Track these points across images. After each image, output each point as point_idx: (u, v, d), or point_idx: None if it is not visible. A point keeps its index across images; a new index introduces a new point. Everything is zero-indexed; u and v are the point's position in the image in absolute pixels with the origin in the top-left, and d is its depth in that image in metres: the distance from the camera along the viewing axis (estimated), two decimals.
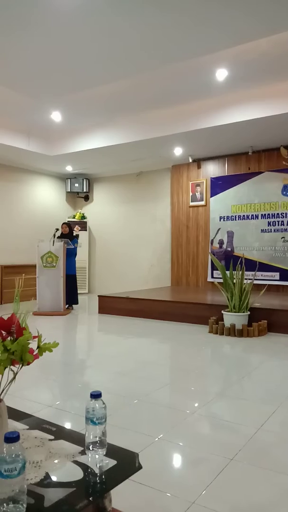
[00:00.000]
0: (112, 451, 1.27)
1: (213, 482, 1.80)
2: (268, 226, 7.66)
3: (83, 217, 10.21)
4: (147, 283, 9.14)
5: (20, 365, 1.26)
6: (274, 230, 7.60)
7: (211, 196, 8.34)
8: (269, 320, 5.24)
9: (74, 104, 6.36)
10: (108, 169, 9.54)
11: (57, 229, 7.35)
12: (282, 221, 7.52)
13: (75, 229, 9.34)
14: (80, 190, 10.04)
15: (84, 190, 10.06)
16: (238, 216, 8.00)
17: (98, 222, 10.23)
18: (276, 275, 7.50)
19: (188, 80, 5.51)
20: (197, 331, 5.39)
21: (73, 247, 7.24)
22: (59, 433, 1.42)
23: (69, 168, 9.33)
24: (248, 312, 5.22)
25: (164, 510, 1.64)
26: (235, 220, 8.04)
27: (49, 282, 6.84)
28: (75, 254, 7.49)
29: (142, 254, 9.42)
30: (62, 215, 10.00)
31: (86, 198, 10.39)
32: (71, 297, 7.26)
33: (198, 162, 8.48)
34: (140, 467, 1.24)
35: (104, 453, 1.24)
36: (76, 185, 10.00)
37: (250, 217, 7.86)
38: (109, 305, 6.77)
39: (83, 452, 1.26)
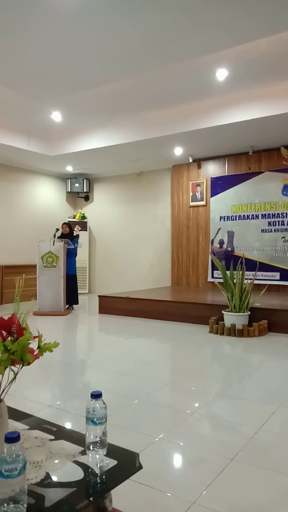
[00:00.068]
0: (113, 451, 1.27)
1: (213, 482, 1.80)
2: (269, 226, 7.66)
3: (83, 217, 10.21)
4: (148, 283, 9.14)
5: (21, 365, 1.26)
6: (275, 230, 7.60)
7: (211, 196, 8.33)
8: (270, 320, 5.24)
9: (74, 104, 6.36)
10: (108, 169, 9.54)
11: (58, 229, 7.35)
12: (283, 221, 7.52)
13: (75, 229, 9.34)
14: (80, 190, 10.04)
15: (84, 190, 10.06)
16: (239, 216, 8.00)
17: (98, 222, 10.23)
18: (277, 275, 7.49)
19: (188, 80, 5.51)
20: (197, 331, 5.39)
21: (73, 247, 7.25)
22: (59, 433, 1.42)
23: (69, 168, 9.33)
24: (249, 312, 5.22)
25: (164, 510, 1.64)
26: (236, 220, 8.04)
27: (49, 282, 6.84)
28: (76, 254, 7.50)
29: (143, 254, 9.42)
30: (62, 215, 10.00)
31: (86, 198, 10.39)
32: (72, 297, 7.26)
33: (198, 162, 8.48)
34: (140, 467, 1.24)
35: (105, 453, 1.24)
36: (76, 185, 10.00)
37: (250, 217, 7.86)
38: (109, 305, 6.77)
39: (83, 452, 1.26)
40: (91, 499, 1.08)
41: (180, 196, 8.82)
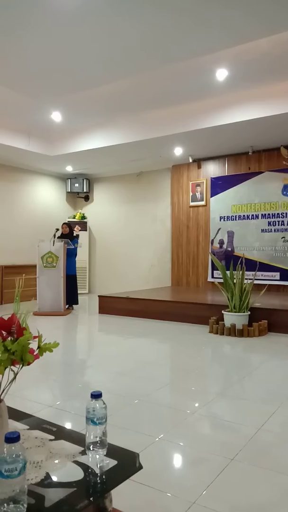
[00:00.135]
0: (113, 451, 1.27)
1: (213, 482, 1.80)
2: (268, 226, 7.66)
3: (83, 217, 10.21)
4: (148, 283, 9.14)
5: (21, 365, 1.26)
6: (274, 230, 7.60)
7: (211, 196, 8.34)
8: (270, 320, 5.24)
9: (74, 104, 6.36)
10: (108, 169, 9.54)
11: (57, 229, 7.35)
12: (282, 221, 7.52)
13: (75, 229, 9.34)
14: (80, 190, 10.04)
15: (84, 190, 10.06)
16: (238, 216, 8.00)
17: (98, 222, 10.23)
18: (277, 275, 7.49)
19: (188, 80, 5.51)
20: (197, 331, 5.39)
21: (73, 247, 7.25)
22: (59, 433, 1.42)
23: (69, 168, 9.33)
24: (249, 312, 5.22)
25: (164, 510, 1.63)
26: (235, 220, 8.04)
27: (49, 282, 6.84)
28: (75, 254, 7.50)
29: (143, 254, 9.42)
30: (62, 215, 10.00)
31: (86, 198, 10.39)
32: (71, 297, 7.26)
33: (198, 162, 8.48)
34: (140, 467, 1.24)
35: (105, 453, 1.24)
36: (76, 185, 10.00)
37: (250, 217, 7.86)
38: (109, 305, 6.77)
39: (83, 452, 1.26)
40: (91, 499, 1.08)
41: (180, 196, 8.82)
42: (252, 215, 7.83)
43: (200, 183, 8.51)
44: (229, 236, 8.10)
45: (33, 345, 1.28)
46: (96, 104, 6.39)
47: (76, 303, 7.41)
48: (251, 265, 6.98)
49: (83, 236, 9.77)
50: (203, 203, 8.48)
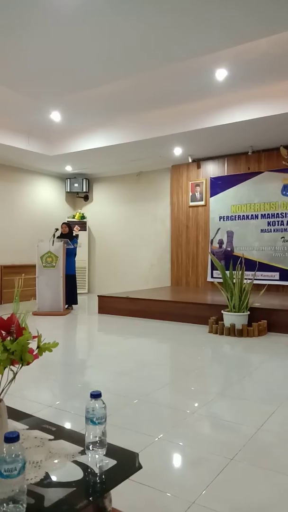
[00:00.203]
0: (112, 451, 1.27)
1: (213, 482, 1.80)
2: (268, 226, 7.66)
3: (83, 217, 10.21)
4: (147, 283, 9.14)
5: (20, 365, 1.26)
6: (274, 230, 7.60)
7: (210, 196, 8.34)
8: (269, 320, 5.24)
9: (74, 104, 6.36)
10: (108, 169, 9.54)
11: (57, 229, 7.35)
12: (282, 221, 7.52)
13: (74, 229, 9.34)
14: (79, 190, 10.04)
15: (84, 190, 10.06)
16: (238, 216, 8.00)
17: (97, 222, 10.23)
18: (276, 275, 7.50)
19: (188, 80, 5.51)
20: (197, 331, 5.39)
21: (72, 247, 7.24)
22: (59, 433, 1.42)
23: (68, 168, 9.33)
24: (248, 312, 5.22)
25: (164, 510, 1.63)
26: (235, 220, 8.04)
27: (48, 282, 6.83)
28: (75, 254, 7.49)
29: (142, 254, 9.42)
30: (62, 215, 10.00)
31: (86, 198, 10.39)
32: (71, 297, 7.26)
33: (198, 162, 8.48)
34: (140, 467, 1.24)
35: (104, 453, 1.24)
36: (76, 185, 10.00)
37: (250, 217, 7.86)
38: (109, 305, 6.76)
39: (83, 452, 1.26)
40: (90, 499, 1.08)
41: (179, 196, 8.82)
42: (252, 215, 7.83)
43: (199, 183, 8.51)
44: (228, 236, 8.10)
45: (33, 345, 1.28)
46: (96, 104, 6.39)
47: (76, 303, 7.41)
48: (251, 265, 6.98)
49: (82, 236, 9.77)
50: (202, 203, 8.48)
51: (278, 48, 4.66)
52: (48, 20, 4.00)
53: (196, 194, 8.56)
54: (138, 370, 3.66)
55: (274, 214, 7.60)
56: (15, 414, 1.56)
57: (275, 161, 7.60)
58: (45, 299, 6.81)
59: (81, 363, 4.19)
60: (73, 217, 10.14)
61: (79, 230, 9.85)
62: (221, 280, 6.10)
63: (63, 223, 7.63)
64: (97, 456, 1.23)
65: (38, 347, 1.31)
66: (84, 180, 10.03)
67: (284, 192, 7.50)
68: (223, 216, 8.17)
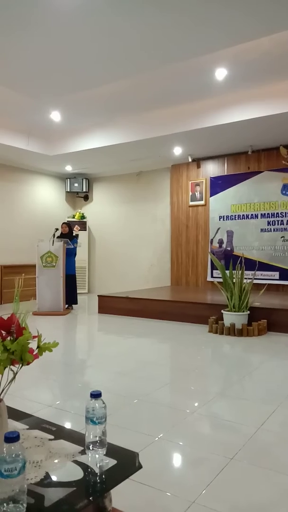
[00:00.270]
0: (112, 450, 1.27)
1: (213, 481, 1.80)
2: (268, 225, 7.66)
3: (83, 217, 10.21)
4: (147, 283, 9.15)
5: (20, 365, 1.26)
6: (274, 230, 7.60)
7: (210, 196, 8.34)
8: (269, 319, 5.24)
9: (74, 104, 6.36)
10: (107, 169, 9.54)
11: (57, 229, 7.35)
12: (282, 221, 7.53)
13: (74, 229, 9.34)
14: (79, 190, 10.04)
15: (84, 190, 10.06)
16: (238, 215, 8.00)
17: (97, 222, 10.23)
18: (276, 274, 7.50)
19: (188, 80, 5.51)
20: (197, 330, 5.39)
21: (72, 247, 7.24)
22: (59, 432, 1.42)
23: (68, 168, 9.33)
24: (248, 312, 5.22)
25: (164, 510, 1.64)
26: (235, 219, 8.04)
27: (48, 282, 6.83)
28: (75, 254, 7.50)
29: (142, 254, 9.42)
30: (62, 215, 10.00)
31: (86, 198, 10.39)
32: (71, 297, 7.26)
33: (198, 161, 8.48)
34: (140, 467, 1.24)
35: (104, 453, 1.24)
36: (76, 185, 10.00)
37: (249, 216, 7.86)
38: (109, 305, 6.77)
39: (83, 452, 1.26)
40: (90, 498, 1.08)
41: (179, 195, 8.82)
42: (252, 214, 7.83)
43: (199, 183, 8.51)
44: (228, 235, 8.10)
45: (33, 344, 1.28)
46: (96, 104, 6.39)
47: (76, 302, 7.41)
48: (251, 264, 6.98)
49: (82, 236, 9.77)
50: (202, 202, 8.48)
51: (278, 48, 4.66)
52: (48, 20, 4.00)
53: (196, 193, 8.56)
54: (138, 370, 3.67)
55: (274, 213, 7.61)
56: (15, 414, 1.56)
57: (275, 161, 7.60)
58: (45, 299, 6.81)
59: (81, 363, 4.19)
60: (73, 217, 10.14)
61: (79, 230, 9.85)
62: (221, 280, 6.10)
63: (63, 223, 7.63)
64: (97, 455, 1.23)
65: (38, 347, 1.31)
66: (84, 180, 10.03)
67: (284, 192, 7.50)
68: (223, 216, 8.17)
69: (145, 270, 9.39)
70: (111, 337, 5.28)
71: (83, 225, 10.10)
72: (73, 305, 7.45)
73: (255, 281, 6.42)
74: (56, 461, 1.22)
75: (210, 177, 8.36)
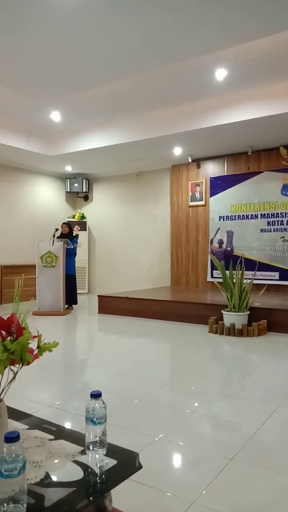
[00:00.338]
0: (112, 450, 1.27)
1: (213, 481, 1.80)
2: (268, 225, 7.66)
3: (83, 217, 10.21)
4: (147, 283, 9.15)
5: (20, 365, 1.26)
6: (274, 230, 7.60)
7: (210, 196, 8.34)
8: (269, 319, 5.24)
9: (74, 104, 6.36)
10: (107, 169, 9.54)
11: (57, 229, 7.35)
12: (282, 221, 7.53)
13: (74, 229, 9.34)
14: (79, 190, 10.04)
15: (84, 190, 10.06)
16: (238, 215, 8.00)
17: (97, 222, 10.23)
18: (276, 274, 7.50)
19: (188, 80, 5.51)
20: (197, 331, 5.39)
21: (72, 247, 7.24)
22: (59, 433, 1.42)
23: (68, 168, 9.33)
24: (248, 312, 5.22)
25: (164, 510, 1.64)
26: (235, 219, 8.04)
27: (48, 282, 6.83)
28: (75, 254, 7.50)
29: (142, 254, 9.42)
30: (62, 215, 10.00)
31: (86, 198, 10.39)
32: (71, 297, 7.26)
33: (198, 162, 8.48)
34: (140, 467, 1.24)
35: (104, 453, 1.24)
36: (76, 185, 10.00)
37: (249, 216, 7.86)
38: (109, 305, 6.77)
39: (83, 452, 1.26)
40: (91, 498, 1.08)
41: (179, 196, 8.82)
42: (252, 215, 7.83)
43: (199, 183, 8.51)
44: (228, 236, 8.11)
45: (33, 344, 1.28)
46: (96, 104, 6.39)
47: (76, 303, 7.41)
48: (251, 264, 6.98)
49: (82, 236, 9.77)
50: (202, 203, 8.48)
51: (278, 48, 4.67)
52: (48, 20, 4.00)
53: (196, 194, 8.56)
54: (138, 370, 3.66)
55: (273, 214, 7.61)
56: (15, 414, 1.56)
57: (274, 161, 7.60)
58: (45, 299, 6.81)
59: (81, 363, 4.19)
60: (73, 217, 10.14)
61: (79, 230, 9.85)
62: (221, 280, 6.10)
63: (63, 223, 7.64)
64: (97, 456, 1.23)
65: (38, 347, 1.31)
66: (84, 180, 10.03)
67: (283, 192, 7.50)
68: (223, 216, 8.17)
69: (145, 270, 9.39)
70: (111, 337, 5.28)
71: (83, 225, 10.10)
72: (73, 305, 7.45)
73: (255, 282, 6.42)
74: (56, 461, 1.22)
75: (210, 177, 8.36)
